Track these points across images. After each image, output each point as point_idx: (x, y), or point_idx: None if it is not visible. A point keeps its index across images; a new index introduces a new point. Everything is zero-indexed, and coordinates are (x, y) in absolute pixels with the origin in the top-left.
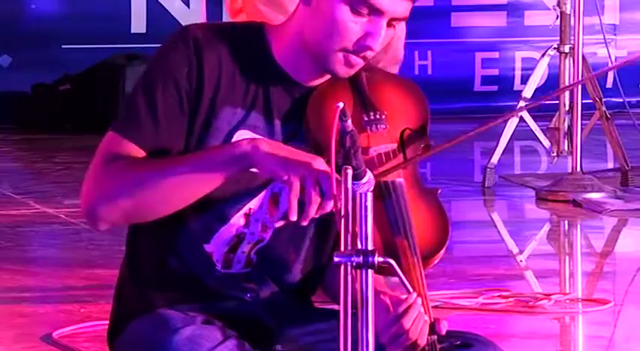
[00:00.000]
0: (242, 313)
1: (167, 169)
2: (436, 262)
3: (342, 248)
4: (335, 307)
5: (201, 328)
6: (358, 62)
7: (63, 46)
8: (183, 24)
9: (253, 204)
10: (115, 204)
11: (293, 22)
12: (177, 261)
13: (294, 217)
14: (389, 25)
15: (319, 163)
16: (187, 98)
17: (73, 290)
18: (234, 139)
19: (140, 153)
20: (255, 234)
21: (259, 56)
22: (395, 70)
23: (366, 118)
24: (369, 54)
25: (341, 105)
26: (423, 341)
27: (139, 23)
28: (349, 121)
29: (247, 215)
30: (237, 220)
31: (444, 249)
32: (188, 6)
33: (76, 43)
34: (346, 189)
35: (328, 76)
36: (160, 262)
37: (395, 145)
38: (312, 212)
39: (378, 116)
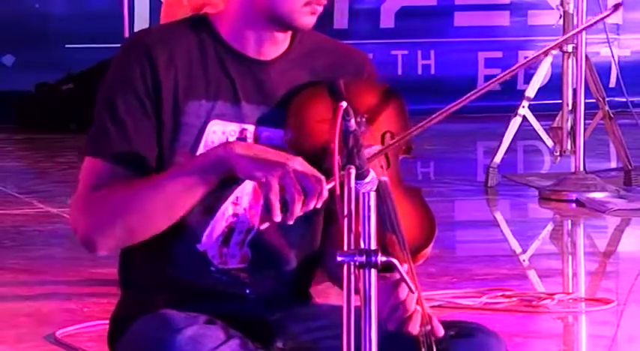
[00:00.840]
0: (243, 311)
1: (150, 189)
2: (423, 258)
3: (345, 248)
4: (336, 302)
5: (204, 327)
6: (319, 10)
7: (66, 46)
8: None
9: (239, 191)
10: (109, 233)
11: (234, 2)
12: (172, 268)
13: (277, 218)
14: None
15: (297, 162)
16: (149, 101)
17: (76, 290)
18: (206, 132)
19: (119, 169)
20: (245, 222)
21: (211, 44)
22: None
23: None
24: None
25: (344, 104)
26: (415, 328)
27: (142, 23)
28: (352, 121)
29: (235, 204)
30: (226, 209)
31: (431, 246)
32: None
33: (79, 42)
34: (349, 188)
35: (284, 47)
36: (155, 272)
37: (376, 148)
38: (297, 211)
39: (358, 119)
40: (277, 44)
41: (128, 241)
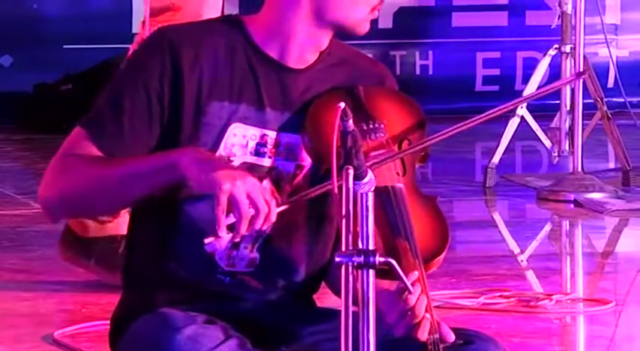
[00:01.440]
0: (246, 314)
1: (110, 169)
2: (435, 267)
3: (344, 248)
4: (336, 306)
5: (203, 327)
6: (377, 14)
7: (65, 46)
8: None
9: None
10: (62, 197)
11: (272, 9)
12: (176, 265)
13: (222, 233)
14: None
15: (249, 181)
16: (159, 102)
17: (75, 290)
18: (227, 134)
19: (98, 149)
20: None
21: (242, 46)
22: None
23: (364, 127)
24: None
25: (342, 105)
26: (424, 335)
27: (139, 22)
28: (350, 121)
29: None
30: None
31: (443, 254)
32: None
33: (77, 43)
34: (347, 189)
35: (315, 57)
36: (160, 267)
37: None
38: (242, 229)
39: (377, 125)
40: (312, 54)
41: (74, 210)
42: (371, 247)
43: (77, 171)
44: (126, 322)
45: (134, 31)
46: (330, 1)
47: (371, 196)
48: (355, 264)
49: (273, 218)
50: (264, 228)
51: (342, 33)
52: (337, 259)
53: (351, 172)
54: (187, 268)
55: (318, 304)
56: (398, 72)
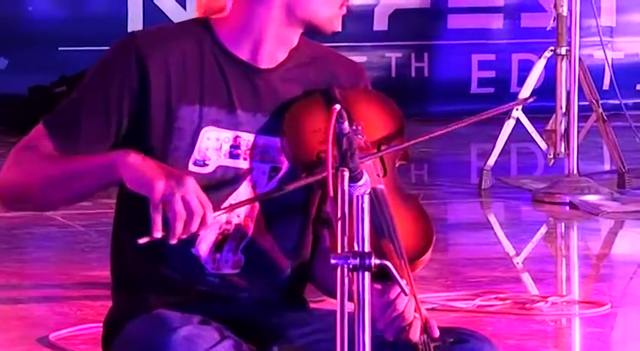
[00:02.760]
0: (239, 314)
1: (56, 167)
2: (422, 266)
3: (339, 250)
4: (331, 307)
5: (199, 328)
6: (344, 12)
7: (59, 49)
8: None
9: (233, 199)
10: (12, 187)
11: (240, 9)
12: (167, 269)
13: (157, 234)
14: None
15: (186, 183)
16: (117, 105)
17: (70, 292)
18: (200, 138)
19: (54, 146)
20: (239, 229)
21: (211, 49)
22: None
23: None
24: None
25: (337, 107)
26: (415, 336)
27: (135, 25)
28: (346, 124)
29: (229, 210)
30: (219, 217)
31: (428, 253)
32: (184, 7)
33: (72, 45)
34: (343, 191)
35: (284, 56)
36: (150, 272)
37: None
38: (177, 231)
39: (354, 128)
40: (281, 53)
41: (20, 201)
42: (366, 250)
43: (29, 165)
44: (119, 325)
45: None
46: (299, 3)
47: (367, 198)
48: (351, 266)
49: (210, 222)
50: (200, 232)
51: (314, 32)
52: (333, 262)
53: (347, 174)
54: (177, 270)
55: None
56: (393, 74)
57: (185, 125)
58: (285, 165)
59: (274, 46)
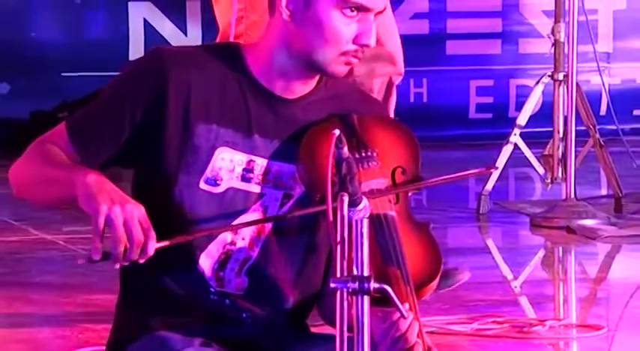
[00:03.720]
0: (240, 336)
1: (43, 168)
2: (429, 293)
3: (338, 274)
4: (331, 331)
5: (200, 350)
6: (355, 62)
7: (62, 74)
8: None
9: (241, 221)
10: (15, 175)
11: (270, 37)
12: (172, 282)
13: (95, 257)
14: (374, 16)
15: (131, 210)
16: (131, 117)
17: (71, 316)
18: (214, 157)
19: (69, 144)
20: (242, 251)
21: (236, 73)
22: (391, 70)
23: (357, 156)
24: (365, 51)
25: (337, 132)
26: None
27: (136, 50)
28: (345, 148)
29: (234, 233)
30: (225, 236)
31: (436, 281)
32: (185, 33)
33: (74, 70)
34: (342, 215)
35: (309, 88)
36: (155, 285)
37: (387, 181)
38: (119, 257)
39: (369, 153)
40: (304, 85)
41: (22, 191)
42: (366, 274)
43: (35, 158)
44: (121, 347)
45: (131, 58)
46: (298, 35)
47: (366, 222)
48: (350, 290)
49: (151, 252)
50: (141, 261)
51: (315, 71)
52: (332, 285)
53: (346, 198)
54: (181, 286)
55: (315, 330)
56: None
57: (201, 143)
58: (297, 192)
59: (294, 78)
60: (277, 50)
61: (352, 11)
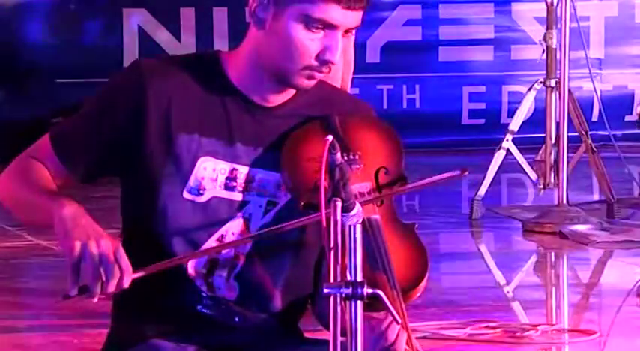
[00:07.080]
0: (233, 342)
1: (28, 192)
2: (417, 295)
3: (332, 280)
4: (324, 336)
5: None
6: (320, 76)
7: (57, 80)
8: None
9: (224, 230)
10: (0, 190)
11: (247, 45)
12: (163, 290)
13: (72, 292)
14: (344, 34)
15: (105, 245)
16: (112, 132)
17: (67, 321)
18: (197, 167)
19: (52, 156)
20: (228, 259)
21: (216, 81)
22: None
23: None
24: (330, 67)
25: (330, 138)
26: None
27: (131, 57)
28: (338, 154)
29: (219, 241)
30: (210, 245)
31: (423, 282)
32: (179, 39)
33: (69, 77)
34: (335, 221)
35: (289, 95)
36: (147, 294)
37: (370, 184)
38: (95, 291)
39: (352, 157)
40: (282, 93)
41: (11, 211)
42: (359, 279)
43: (19, 177)
44: None
45: (125, 65)
46: (265, 45)
47: (359, 228)
48: (343, 295)
49: (126, 285)
50: (116, 292)
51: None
52: (325, 290)
53: (339, 204)
54: (173, 293)
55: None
56: (385, 106)
57: (182, 153)
58: (282, 200)
59: (269, 87)
60: (250, 59)
61: (318, 27)
